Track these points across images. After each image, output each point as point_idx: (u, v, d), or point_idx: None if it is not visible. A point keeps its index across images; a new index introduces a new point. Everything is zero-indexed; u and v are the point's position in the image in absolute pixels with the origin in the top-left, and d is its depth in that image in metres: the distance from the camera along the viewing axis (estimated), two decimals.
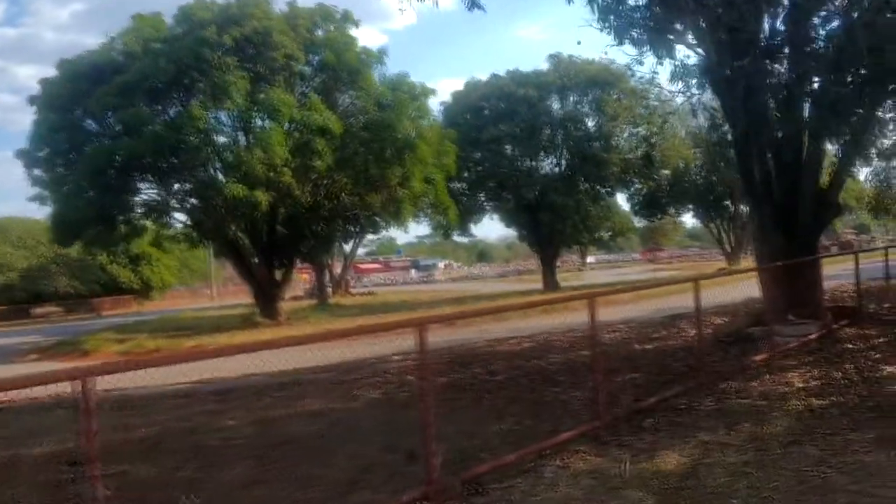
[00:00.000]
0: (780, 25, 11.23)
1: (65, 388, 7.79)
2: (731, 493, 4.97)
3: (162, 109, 26.55)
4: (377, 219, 32.38)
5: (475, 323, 17.82)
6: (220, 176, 26.38)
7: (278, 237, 29.62)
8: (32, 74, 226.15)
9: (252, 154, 24.14)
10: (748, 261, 44.79)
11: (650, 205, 49.09)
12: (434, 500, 5.08)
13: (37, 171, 27.18)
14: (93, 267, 57.42)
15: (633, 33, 12.39)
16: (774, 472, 5.30)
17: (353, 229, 37.36)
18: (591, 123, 43.17)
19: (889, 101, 13.82)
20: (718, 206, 49.28)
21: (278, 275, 30.78)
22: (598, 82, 41.21)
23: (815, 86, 10.97)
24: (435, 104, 61.97)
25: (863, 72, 10.56)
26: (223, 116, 27.09)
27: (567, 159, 43.21)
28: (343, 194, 29.79)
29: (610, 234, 64.94)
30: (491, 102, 41.85)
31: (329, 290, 53.59)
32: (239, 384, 11.98)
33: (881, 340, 11.09)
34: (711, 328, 14.06)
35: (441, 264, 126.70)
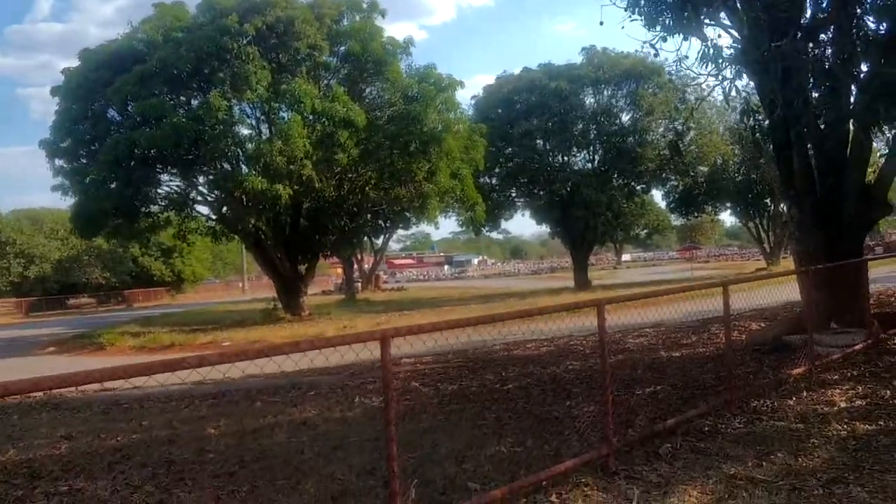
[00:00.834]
0: (823, 2, 10.19)
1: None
2: None
3: (183, 100, 26.17)
4: (407, 213, 31.69)
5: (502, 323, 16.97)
6: (244, 168, 25.89)
7: (301, 231, 29.08)
8: None
9: (272, 146, 23.57)
10: (788, 261, 43.24)
11: (686, 202, 47.68)
12: None
13: (59, 162, 26.91)
14: (124, 259, 57.68)
15: (665, 19, 11.43)
16: None
17: (383, 224, 36.75)
18: (625, 118, 42.07)
19: None
20: (758, 204, 47.66)
21: (302, 269, 30.28)
22: (633, 75, 40.07)
23: (863, 69, 9.90)
24: (466, 98, 61.52)
25: None
26: (245, 107, 26.62)
27: (600, 154, 42.16)
28: (368, 188, 29.15)
29: (646, 231, 63.87)
30: (522, 96, 40.89)
31: (359, 285, 53.24)
32: (238, 386, 11.30)
33: None
34: (746, 334, 13.09)
35: (475, 260, 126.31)
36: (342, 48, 27.78)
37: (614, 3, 11.73)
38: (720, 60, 9.77)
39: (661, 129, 40.98)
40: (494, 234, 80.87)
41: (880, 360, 9.57)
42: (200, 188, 28.14)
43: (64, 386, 3.30)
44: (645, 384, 8.85)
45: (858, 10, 9.53)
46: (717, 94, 19.86)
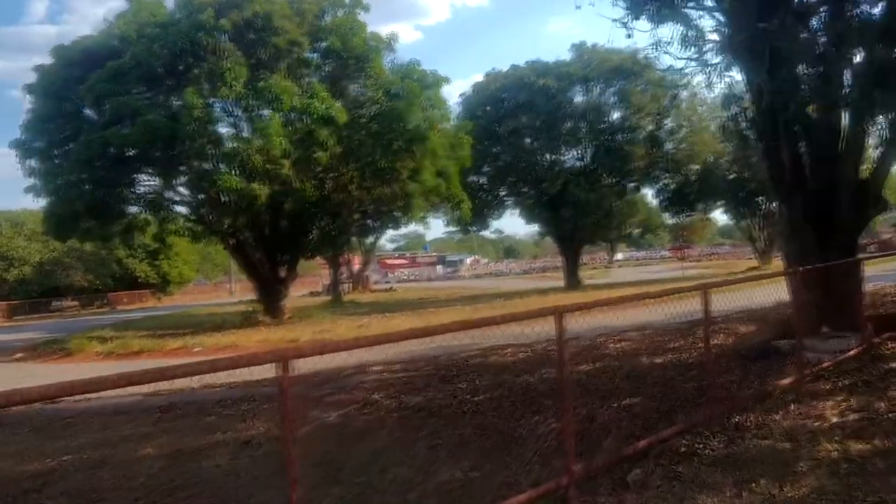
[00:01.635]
0: None
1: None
2: None
3: (157, 97, 25.32)
4: (394, 213, 30.99)
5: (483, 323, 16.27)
6: (222, 167, 25.10)
7: (281, 231, 28.36)
8: None
9: (250, 145, 22.85)
10: (781, 259, 42.75)
11: (678, 200, 47.04)
12: None
13: (32, 162, 26.08)
14: (108, 261, 56.78)
15: (649, 7, 10.76)
16: None
17: (371, 224, 36.04)
18: (615, 115, 41.41)
19: None
20: (750, 203, 47.06)
21: (283, 271, 29.55)
22: (622, 72, 39.39)
23: (858, 53, 9.22)
24: (454, 96, 60.70)
25: None
26: (225, 105, 25.83)
27: (590, 153, 41.53)
28: (350, 188, 28.41)
29: (639, 230, 63.27)
30: (510, 94, 40.25)
31: (349, 286, 52.52)
32: (192, 397, 10.60)
33: None
34: (733, 337, 12.43)
35: (468, 260, 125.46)
36: (323, 44, 27.05)
37: None
38: (702, 44, 9.09)
39: (651, 127, 40.40)
40: (487, 234, 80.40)
41: (874, 367, 8.91)
42: (178, 188, 27.38)
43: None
44: (621, 396, 8.18)
45: None
46: (700, 83, 19.16)
